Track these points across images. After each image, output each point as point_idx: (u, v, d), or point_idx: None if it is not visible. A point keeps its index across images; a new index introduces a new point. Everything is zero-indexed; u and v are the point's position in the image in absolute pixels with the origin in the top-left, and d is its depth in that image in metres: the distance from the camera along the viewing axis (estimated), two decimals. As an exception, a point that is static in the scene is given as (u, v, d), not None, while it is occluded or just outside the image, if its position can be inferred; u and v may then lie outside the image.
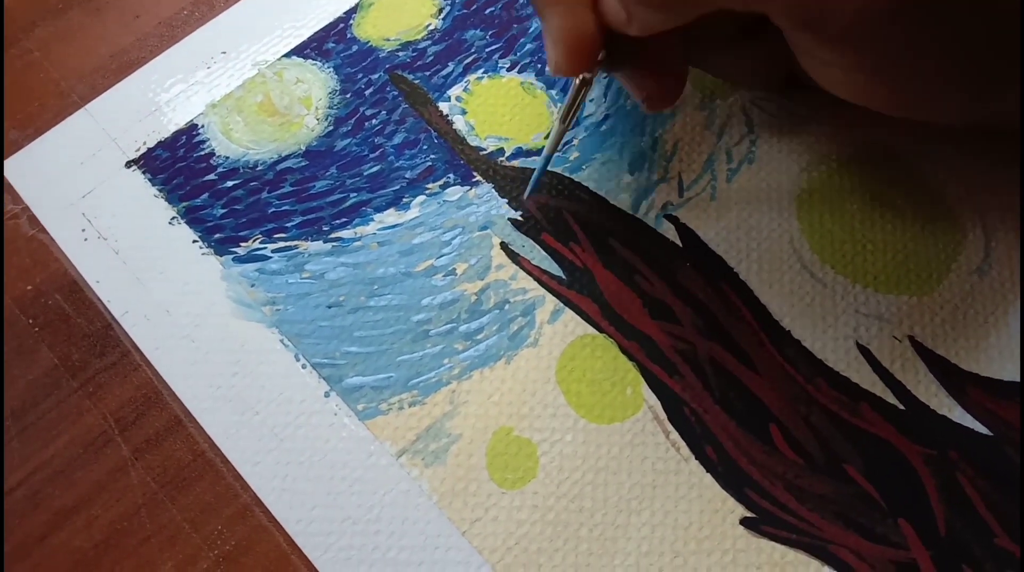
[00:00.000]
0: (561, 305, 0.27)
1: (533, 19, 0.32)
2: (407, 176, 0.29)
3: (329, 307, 0.27)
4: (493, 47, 0.31)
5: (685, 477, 0.25)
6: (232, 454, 0.25)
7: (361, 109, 0.30)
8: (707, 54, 0.27)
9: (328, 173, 0.29)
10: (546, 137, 0.29)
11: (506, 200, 0.29)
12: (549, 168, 0.29)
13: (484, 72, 0.31)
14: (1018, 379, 0.25)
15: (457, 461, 0.25)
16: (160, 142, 0.30)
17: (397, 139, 0.30)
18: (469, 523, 0.24)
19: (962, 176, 0.28)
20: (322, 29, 0.32)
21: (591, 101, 0.30)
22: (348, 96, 0.31)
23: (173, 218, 0.29)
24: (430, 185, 0.29)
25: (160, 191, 0.29)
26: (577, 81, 0.25)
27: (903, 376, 0.26)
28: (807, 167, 0.29)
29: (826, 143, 0.29)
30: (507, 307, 0.27)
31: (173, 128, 0.30)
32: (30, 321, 0.28)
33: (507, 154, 0.29)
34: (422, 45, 0.31)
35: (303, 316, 0.27)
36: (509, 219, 0.28)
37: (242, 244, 0.28)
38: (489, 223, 0.28)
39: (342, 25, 0.32)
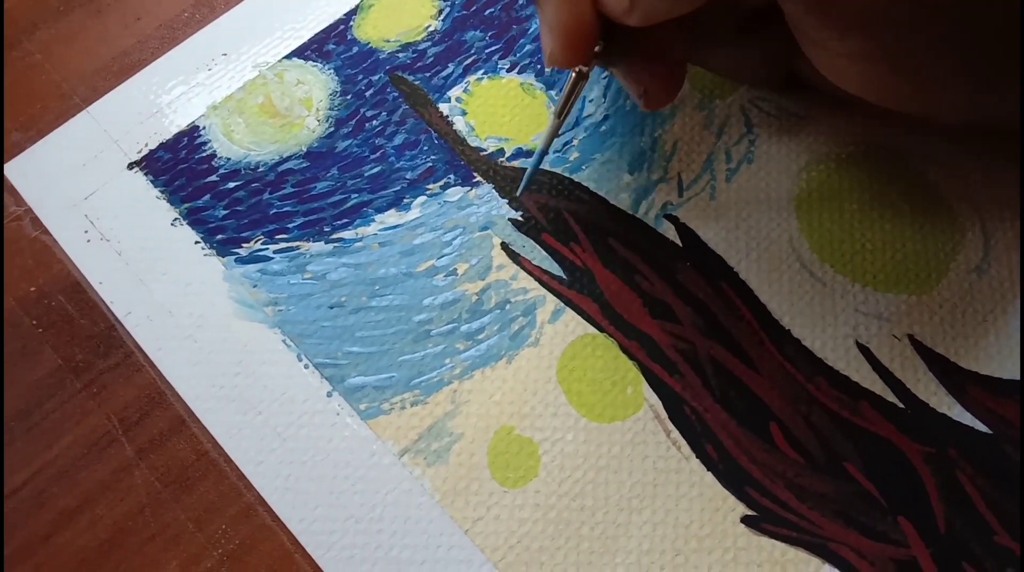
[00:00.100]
0: (562, 305, 0.27)
1: (532, 20, 0.32)
2: (408, 177, 0.29)
3: (331, 307, 0.27)
4: (493, 48, 0.31)
5: (686, 476, 0.25)
6: (235, 454, 0.26)
7: (362, 110, 0.30)
8: (707, 50, 0.27)
9: (329, 174, 0.29)
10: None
11: (506, 200, 0.29)
12: (550, 168, 0.29)
13: (484, 73, 0.31)
14: (1018, 377, 0.25)
15: (459, 460, 0.25)
16: (162, 144, 0.30)
17: (398, 140, 0.30)
18: (471, 522, 0.24)
19: (961, 175, 0.28)
20: (322, 31, 0.32)
21: (591, 101, 0.30)
22: (349, 97, 0.31)
23: (175, 219, 0.29)
24: (431, 186, 0.29)
25: (162, 193, 0.29)
26: (573, 75, 0.25)
27: (903, 374, 0.26)
28: (806, 166, 0.29)
29: (825, 143, 0.29)
30: (508, 307, 0.27)
31: (174, 130, 0.30)
32: (33, 322, 0.28)
33: (507, 154, 0.30)
34: (422, 46, 0.32)
35: (305, 316, 0.27)
36: (510, 219, 0.28)
37: (244, 245, 0.28)
38: (490, 223, 0.28)
39: (342, 27, 0.32)
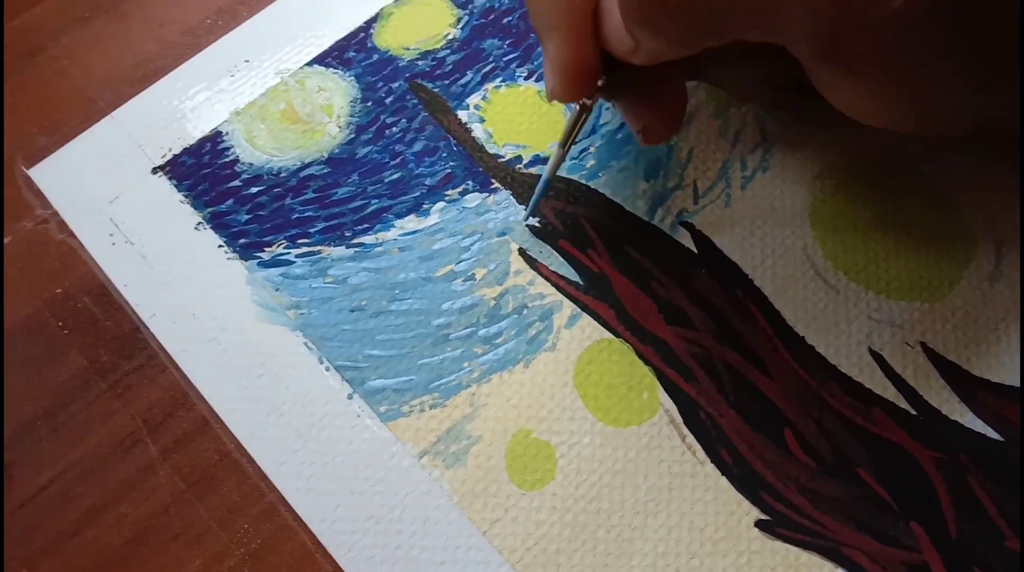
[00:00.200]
0: (578, 310, 0.28)
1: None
2: (427, 183, 0.30)
3: (352, 311, 0.28)
4: (511, 56, 0.32)
5: (701, 480, 0.25)
6: (258, 454, 0.26)
7: (382, 117, 0.31)
8: (711, 69, 0.28)
9: (350, 180, 0.30)
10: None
11: (524, 207, 0.29)
12: (567, 175, 0.30)
13: (502, 81, 0.32)
14: (1029, 385, 0.26)
15: (477, 462, 0.26)
16: (185, 149, 0.31)
17: (417, 147, 0.30)
18: (489, 523, 0.25)
19: (973, 184, 0.29)
20: (343, 38, 0.33)
21: (607, 109, 0.31)
22: (369, 104, 0.31)
23: (199, 223, 0.29)
24: (449, 192, 0.30)
25: (186, 197, 0.30)
26: (577, 107, 0.25)
27: (915, 381, 0.26)
28: (820, 175, 0.29)
29: (838, 151, 0.29)
30: (525, 312, 0.28)
31: (198, 135, 0.31)
32: (59, 324, 0.28)
33: (525, 161, 0.30)
34: (441, 54, 0.32)
35: (326, 320, 0.28)
36: (527, 225, 0.29)
37: (266, 249, 0.29)
38: (507, 229, 0.29)
39: (363, 34, 0.33)
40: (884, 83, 0.21)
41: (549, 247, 0.29)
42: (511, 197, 0.29)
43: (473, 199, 0.29)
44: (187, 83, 0.32)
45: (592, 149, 0.30)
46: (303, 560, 0.25)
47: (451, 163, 0.30)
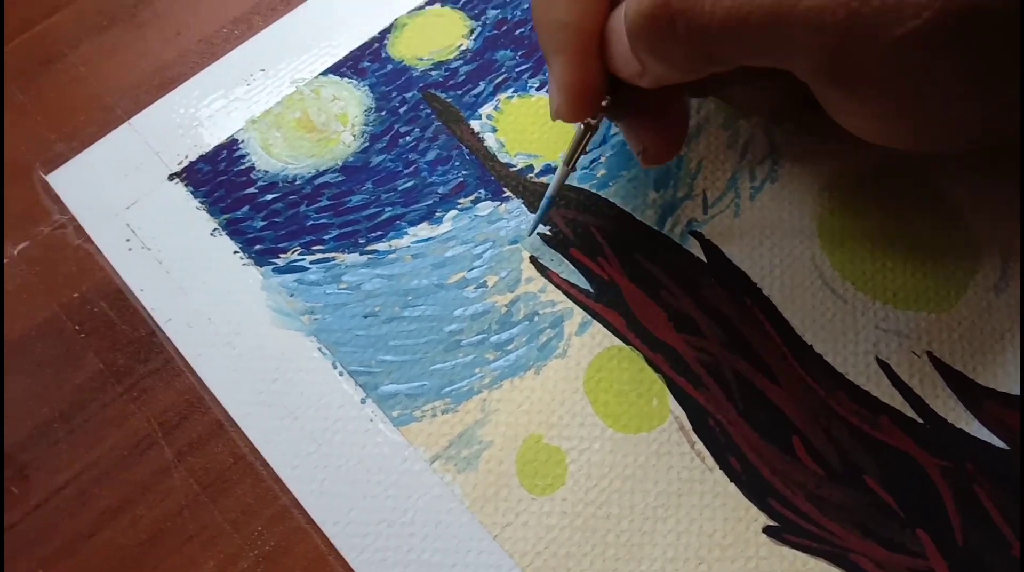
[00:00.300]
0: (589, 318, 0.28)
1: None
2: (440, 191, 0.30)
3: (365, 317, 0.28)
4: (523, 67, 0.32)
5: (709, 486, 0.25)
6: (272, 458, 0.26)
7: (395, 126, 0.31)
8: (717, 88, 0.28)
9: (364, 188, 0.30)
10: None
11: (535, 215, 0.30)
12: (577, 185, 0.30)
13: (514, 91, 0.32)
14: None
15: (488, 467, 0.26)
16: (201, 156, 0.31)
17: (430, 155, 0.31)
18: (500, 527, 0.25)
19: (980, 194, 0.29)
20: (357, 48, 0.33)
21: (618, 120, 0.31)
22: (383, 114, 0.32)
23: (215, 229, 0.30)
24: (462, 200, 0.30)
25: (202, 203, 0.30)
26: (582, 126, 0.26)
27: (922, 390, 0.26)
28: (828, 186, 0.30)
29: (846, 163, 0.30)
30: (536, 319, 0.28)
31: (214, 142, 0.31)
32: (76, 327, 0.29)
33: (536, 170, 0.30)
34: (454, 65, 0.33)
35: (340, 325, 0.28)
36: (538, 233, 0.29)
37: (281, 255, 0.29)
38: (519, 237, 0.29)
39: (377, 45, 0.33)
40: (888, 104, 0.21)
41: (560, 255, 0.29)
42: (523, 206, 0.30)
43: (485, 207, 0.30)
44: (204, 91, 0.33)
45: (603, 159, 0.31)
46: (316, 562, 0.25)
47: (464, 172, 0.30)
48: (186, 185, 0.31)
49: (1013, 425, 0.26)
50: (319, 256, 0.29)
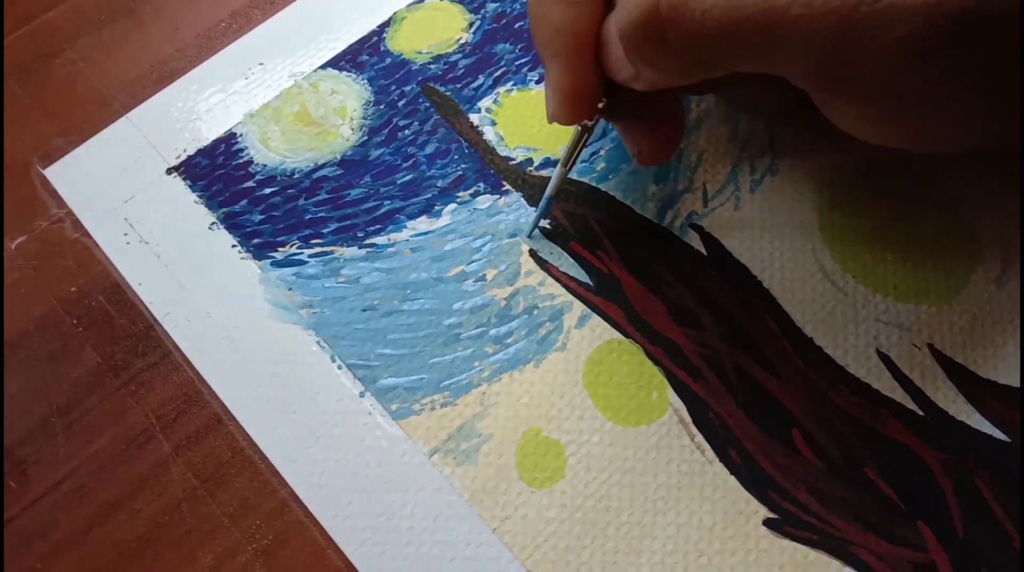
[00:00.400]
0: (588, 311, 0.28)
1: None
2: (439, 185, 0.30)
3: (364, 310, 0.28)
4: (522, 60, 0.32)
5: (710, 479, 0.25)
6: (270, 451, 0.26)
7: (394, 120, 0.31)
8: (713, 88, 0.28)
9: (363, 181, 0.30)
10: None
11: (534, 209, 0.29)
12: (577, 178, 0.30)
13: (513, 84, 0.32)
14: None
15: (488, 460, 0.26)
16: (200, 150, 0.31)
17: (429, 149, 0.31)
18: (499, 520, 0.25)
19: (981, 188, 0.29)
20: (356, 42, 0.33)
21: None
22: (382, 107, 0.32)
23: (213, 223, 0.30)
24: (461, 193, 0.30)
25: (200, 197, 0.30)
26: (578, 128, 0.26)
27: (922, 383, 0.26)
28: (828, 179, 0.29)
29: (847, 156, 0.30)
30: (536, 312, 0.28)
31: (212, 136, 0.31)
32: (74, 321, 0.29)
33: (535, 164, 0.30)
34: (453, 58, 0.32)
35: (339, 319, 0.28)
36: (538, 227, 0.29)
37: (280, 249, 0.29)
38: (518, 230, 0.29)
39: (376, 38, 0.33)
40: (883, 109, 0.21)
41: (559, 248, 0.29)
42: (522, 199, 0.30)
43: (484, 201, 0.30)
44: (202, 85, 0.32)
45: (602, 152, 0.30)
46: (314, 556, 0.25)
47: (463, 165, 0.30)
48: (184, 179, 0.31)
49: (1014, 418, 0.26)
50: (318, 250, 0.29)
